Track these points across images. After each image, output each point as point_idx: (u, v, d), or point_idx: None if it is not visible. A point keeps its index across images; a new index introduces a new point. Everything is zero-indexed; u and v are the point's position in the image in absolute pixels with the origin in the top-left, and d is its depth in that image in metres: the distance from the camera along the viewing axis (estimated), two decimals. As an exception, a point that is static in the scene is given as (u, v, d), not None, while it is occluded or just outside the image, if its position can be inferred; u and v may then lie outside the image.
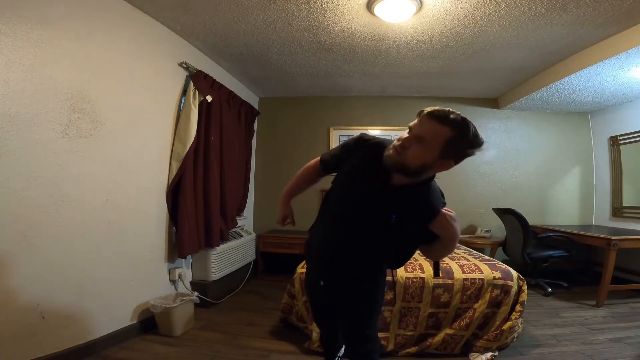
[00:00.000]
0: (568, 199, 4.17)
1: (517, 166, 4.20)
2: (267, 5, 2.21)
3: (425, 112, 1.00)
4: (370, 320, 1.27)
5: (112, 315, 2.13)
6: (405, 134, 1.04)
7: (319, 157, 1.39)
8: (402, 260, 1.28)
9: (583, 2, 2.08)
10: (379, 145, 1.13)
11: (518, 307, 2.07)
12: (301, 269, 2.30)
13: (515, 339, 2.13)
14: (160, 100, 2.54)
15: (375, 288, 1.27)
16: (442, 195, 1.19)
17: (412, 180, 1.06)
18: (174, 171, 2.58)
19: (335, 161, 1.31)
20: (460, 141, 0.97)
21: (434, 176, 1.13)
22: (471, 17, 2.30)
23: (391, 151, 1.03)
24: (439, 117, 0.96)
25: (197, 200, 2.76)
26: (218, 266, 2.98)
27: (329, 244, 1.24)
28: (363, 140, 1.20)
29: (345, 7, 2.21)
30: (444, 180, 4.36)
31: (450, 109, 0.98)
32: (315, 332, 2.08)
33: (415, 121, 1.03)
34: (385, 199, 1.11)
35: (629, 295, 3.18)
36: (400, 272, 2.11)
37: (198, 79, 2.74)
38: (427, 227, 1.11)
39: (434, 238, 1.15)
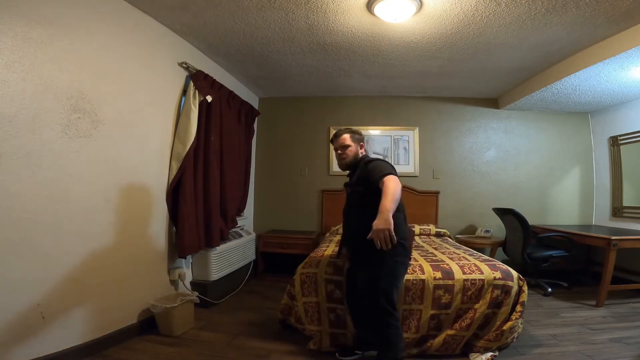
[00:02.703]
0: (568, 199, 4.17)
1: (517, 166, 4.20)
2: (267, 5, 2.21)
3: (334, 136, 1.98)
4: (377, 279, 1.73)
5: (112, 315, 2.13)
6: (336, 154, 2.01)
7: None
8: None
9: (583, 2, 2.08)
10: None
11: (518, 307, 2.07)
12: (301, 269, 2.30)
13: (515, 339, 2.12)
14: (160, 100, 2.54)
15: (375, 255, 1.69)
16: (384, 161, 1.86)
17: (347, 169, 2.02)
18: (174, 171, 2.58)
19: None
20: (353, 132, 1.98)
21: (364, 157, 1.98)
22: (471, 17, 2.30)
23: (340, 162, 2.00)
24: (339, 134, 1.97)
25: (197, 200, 2.76)
26: (218, 266, 2.98)
27: (345, 227, 2.04)
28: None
29: (345, 7, 2.21)
30: (444, 180, 4.37)
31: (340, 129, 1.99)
32: (320, 333, 2.08)
33: (334, 143, 1.99)
34: (351, 182, 1.97)
35: (629, 295, 3.18)
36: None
37: (198, 78, 2.74)
38: (365, 178, 1.80)
39: (374, 181, 1.74)
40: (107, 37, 2.07)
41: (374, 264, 1.73)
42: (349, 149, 1.90)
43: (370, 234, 1.54)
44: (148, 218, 2.44)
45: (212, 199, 2.90)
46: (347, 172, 2.03)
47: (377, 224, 1.52)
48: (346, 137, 1.91)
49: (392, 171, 1.70)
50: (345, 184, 2.01)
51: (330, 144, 1.92)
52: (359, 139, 1.95)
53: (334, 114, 4.37)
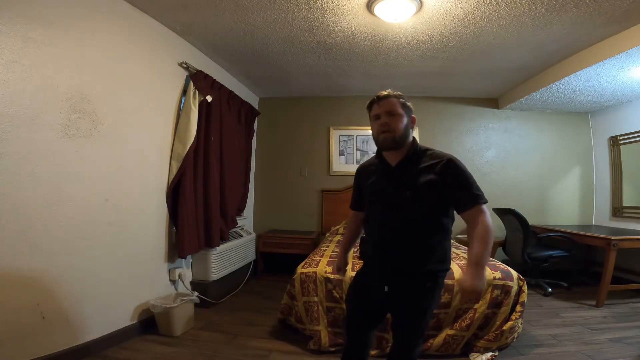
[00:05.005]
0: (568, 199, 4.17)
1: (517, 166, 4.20)
2: (267, 5, 2.21)
3: (377, 98, 1.31)
4: (425, 322, 1.31)
5: (112, 315, 2.13)
6: (376, 122, 1.31)
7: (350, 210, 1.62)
8: (445, 224, 1.31)
9: (583, 2, 2.08)
10: (371, 159, 1.47)
11: (518, 308, 2.07)
12: (301, 269, 2.30)
13: (515, 339, 2.12)
14: (160, 100, 2.54)
15: (434, 289, 1.29)
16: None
17: (402, 150, 1.30)
18: (174, 171, 2.58)
19: (357, 197, 1.55)
20: (404, 100, 1.32)
21: (416, 142, 1.34)
22: (471, 17, 2.30)
23: (384, 135, 1.28)
24: (386, 96, 1.30)
25: (197, 200, 2.76)
26: (218, 266, 2.98)
27: (385, 245, 1.30)
28: (359, 167, 1.53)
29: (345, 7, 2.21)
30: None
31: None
32: (320, 333, 2.08)
33: (375, 108, 1.32)
34: (399, 180, 1.29)
35: (629, 295, 3.18)
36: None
37: (198, 78, 2.74)
38: (443, 185, 1.23)
39: (459, 202, 1.25)
40: (107, 37, 2.07)
41: (421, 302, 1.27)
42: (400, 119, 1.28)
43: (460, 294, 1.30)
44: (148, 218, 2.44)
45: (212, 199, 2.90)
46: (373, 161, 1.43)
47: (473, 284, 1.13)
48: (395, 102, 1.28)
49: (483, 195, 1.24)
50: (387, 180, 1.32)
51: (368, 111, 1.36)
52: (411, 110, 1.34)
53: (334, 114, 4.37)
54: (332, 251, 2.74)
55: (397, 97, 1.29)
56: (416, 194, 1.23)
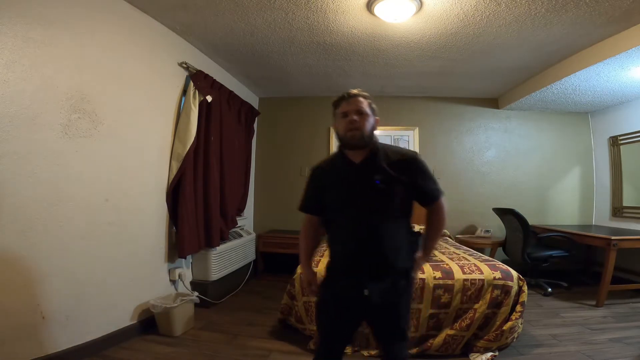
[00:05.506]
0: (568, 199, 4.17)
1: (517, 166, 4.20)
2: (267, 5, 2.21)
3: (347, 95, 1.30)
4: (406, 317, 1.33)
5: (112, 315, 2.13)
6: (344, 119, 1.29)
7: (303, 214, 1.48)
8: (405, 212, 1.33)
9: (583, 2, 2.08)
10: (327, 160, 1.43)
11: (518, 308, 2.07)
12: (301, 269, 2.30)
13: (515, 339, 2.12)
14: (160, 100, 2.54)
15: (409, 286, 1.33)
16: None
17: (366, 149, 1.29)
18: (174, 171, 2.58)
19: (312, 199, 1.43)
20: (370, 101, 1.33)
21: (378, 140, 1.35)
22: (471, 17, 2.30)
23: (352, 133, 1.26)
24: (356, 94, 1.30)
25: (197, 200, 2.76)
26: (218, 266, 2.98)
27: (361, 245, 1.26)
28: (314, 167, 1.44)
29: (345, 7, 2.21)
30: (444, 180, 4.37)
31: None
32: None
33: (344, 106, 1.30)
34: (366, 177, 1.27)
35: (629, 295, 3.18)
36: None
37: (198, 78, 2.74)
38: (410, 178, 1.27)
39: (426, 197, 1.32)
40: (107, 37, 2.07)
41: (403, 299, 1.29)
42: (368, 118, 1.29)
43: (415, 270, 1.33)
44: (148, 218, 2.44)
45: (212, 199, 2.90)
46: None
47: (424, 262, 1.33)
48: (364, 102, 1.30)
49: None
50: (353, 178, 1.30)
51: (334, 108, 1.35)
52: (376, 112, 1.35)
53: (334, 114, 4.36)
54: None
55: (365, 97, 1.31)
56: (386, 190, 1.25)
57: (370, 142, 1.29)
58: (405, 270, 1.29)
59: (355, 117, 1.26)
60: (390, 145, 1.36)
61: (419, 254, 1.35)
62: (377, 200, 1.25)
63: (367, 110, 1.29)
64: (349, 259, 1.29)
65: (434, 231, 1.35)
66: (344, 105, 1.30)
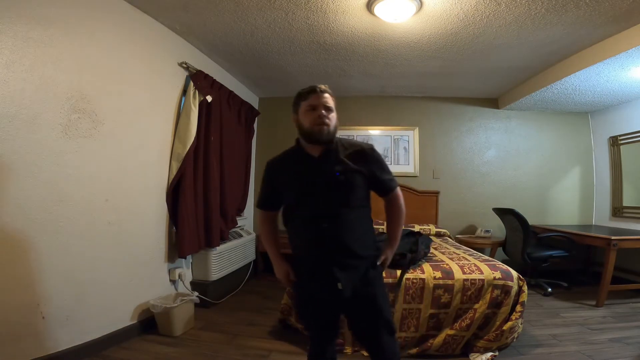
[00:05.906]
0: (568, 199, 4.17)
1: (517, 166, 4.20)
2: (267, 5, 2.21)
3: (318, 89, 1.29)
4: (387, 308, 1.34)
5: (112, 315, 2.13)
6: (312, 112, 1.27)
7: (260, 210, 1.49)
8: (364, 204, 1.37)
9: (583, 2, 2.08)
10: (283, 154, 1.42)
11: (518, 308, 2.07)
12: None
13: (515, 339, 2.12)
14: (160, 100, 2.54)
15: (379, 276, 1.39)
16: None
17: (327, 143, 1.30)
18: (174, 171, 2.58)
19: (270, 194, 1.43)
20: (334, 98, 1.34)
21: (342, 137, 1.40)
22: (471, 17, 2.30)
23: (320, 127, 1.26)
24: (325, 89, 1.31)
25: (197, 200, 2.76)
26: (218, 266, 2.98)
27: (324, 237, 1.26)
28: (270, 163, 1.43)
29: (345, 7, 2.21)
30: (445, 180, 4.36)
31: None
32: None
33: (313, 99, 1.28)
34: (327, 170, 1.29)
35: (629, 295, 3.18)
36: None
37: (198, 79, 2.74)
38: (367, 169, 1.31)
39: (384, 187, 1.38)
40: (107, 37, 2.07)
41: (374, 287, 1.32)
42: (334, 114, 1.32)
43: (382, 260, 1.38)
44: (148, 218, 2.44)
45: (212, 199, 2.90)
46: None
47: (392, 252, 1.40)
48: (331, 99, 1.32)
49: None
50: (314, 171, 1.30)
51: (300, 100, 1.33)
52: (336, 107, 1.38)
53: (334, 114, 4.36)
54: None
55: (331, 94, 1.33)
56: (346, 182, 1.27)
57: (334, 138, 1.31)
58: (370, 258, 1.33)
59: (324, 112, 1.28)
60: (345, 138, 1.40)
61: (384, 244, 1.42)
62: (338, 192, 1.27)
63: (333, 106, 1.32)
64: (312, 251, 1.30)
65: (394, 220, 1.41)
66: (313, 98, 1.29)
